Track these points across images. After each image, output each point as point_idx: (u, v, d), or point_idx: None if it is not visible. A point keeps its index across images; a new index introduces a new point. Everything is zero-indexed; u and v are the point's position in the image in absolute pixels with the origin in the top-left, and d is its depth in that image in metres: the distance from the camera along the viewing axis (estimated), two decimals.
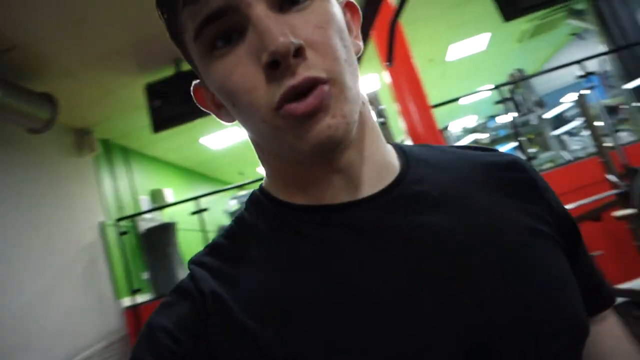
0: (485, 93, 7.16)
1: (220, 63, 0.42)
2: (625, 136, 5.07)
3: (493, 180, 0.50)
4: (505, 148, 6.70)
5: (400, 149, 0.53)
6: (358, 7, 0.51)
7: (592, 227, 2.95)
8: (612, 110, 5.75)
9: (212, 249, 0.49)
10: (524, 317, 0.40)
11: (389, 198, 0.46)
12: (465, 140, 6.31)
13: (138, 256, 4.78)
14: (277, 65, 0.39)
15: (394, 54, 1.11)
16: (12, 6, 2.55)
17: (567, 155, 5.62)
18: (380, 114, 2.46)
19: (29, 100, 3.08)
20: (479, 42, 5.79)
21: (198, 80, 0.51)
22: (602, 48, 5.14)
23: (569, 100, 7.24)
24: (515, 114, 5.79)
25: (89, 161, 4.50)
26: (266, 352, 0.39)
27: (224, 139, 6.47)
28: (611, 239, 3.32)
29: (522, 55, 7.00)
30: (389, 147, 0.52)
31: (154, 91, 3.53)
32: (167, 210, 5.41)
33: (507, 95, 5.98)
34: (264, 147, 0.49)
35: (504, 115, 6.43)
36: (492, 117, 7.66)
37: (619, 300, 2.52)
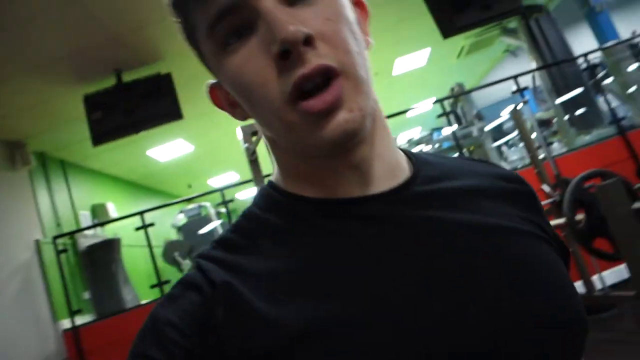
0: (429, 106, 7.44)
1: (232, 58, 0.42)
2: (557, 147, 5.43)
3: (496, 188, 0.51)
4: None
5: (406, 152, 0.53)
6: (366, 4, 0.51)
7: None
8: (544, 123, 6.15)
9: (219, 243, 0.48)
10: (530, 322, 0.41)
11: (403, 195, 0.47)
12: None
13: (78, 275, 4.54)
14: (288, 55, 0.39)
15: None
16: None
17: (506, 166, 5.93)
18: None
19: None
20: (421, 57, 6.03)
21: (212, 81, 0.51)
22: (534, 64, 5.49)
23: (507, 113, 7.66)
24: (457, 127, 6.05)
25: (24, 175, 4.25)
26: (280, 335, 0.38)
27: (172, 150, 6.30)
28: None
29: (462, 70, 7.35)
30: (398, 149, 0.52)
31: (93, 102, 3.40)
32: (111, 226, 5.18)
33: (449, 109, 6.25)
34: (277, 142, 0.48)
35: (448, 128, 6.71)
36: (438, 129, 7.96)
37: None
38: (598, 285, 3.41)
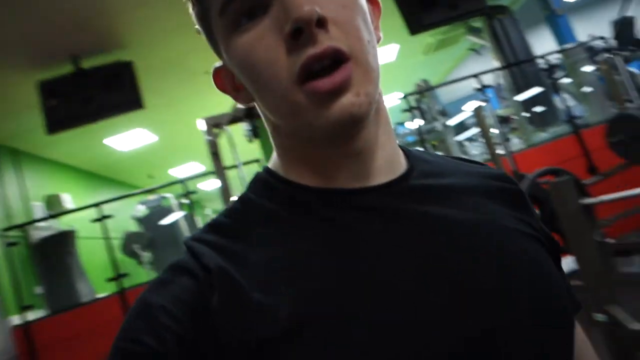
0: (394, 101, 7.51)
1: (242, 37, 0.42)
2: (515, 144, 5.61)
3: (487, 187, 0.52)
4: None
5: (401, 147, 0.53)
6: (380, 1, 0.51)
7: None
8: (504, 120, 6.33)
9: (212, 227, 0.46)
10: (526, 318, 0.42)
11: (402, 187, 0.47)
12: None
13: (29, 269, 4.34)
14: (299, 34, 0.39)
15: None
16: None
17: None
18: None
19: None
20: (389, 53, 6.07)
21: (218, 64, 0.51)
22: (496, 63, 5.64)
23: (469, 109, 7.85)
24: (422, 122, 6.16)
25: None
26: (275, 324, 0.38)
27: (133, 140, 6.12)
28: None
29: (428, 66, 7.48)
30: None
31: (48, 89, 3.23)
32: (66, 218, 4.98)
33: (414, 104, 6.34)
34: (279, 127, 0.48)
35: (413, 122, 6.82)
36: (401, 123, 8.07)
37: None
38: None
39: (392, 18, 3.95)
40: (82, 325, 3.77)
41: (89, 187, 6.59)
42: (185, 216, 6.29)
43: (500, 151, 3.87)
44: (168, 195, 6.50)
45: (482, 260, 0.43)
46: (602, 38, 4.90)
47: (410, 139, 6.79)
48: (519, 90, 5.58)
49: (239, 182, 2.72)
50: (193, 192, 4.82)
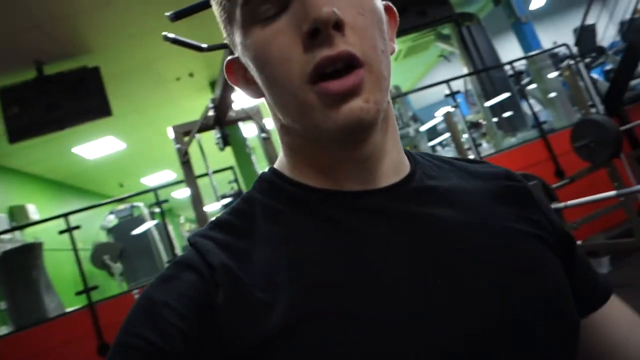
0: None
1: (260, 31, 0.43)
2: (485, 149, 5.73)
3: (491, 187, 0.52)
4: None
5: (405, 150, 0.54)
6: (396, 12, 0.52)
7: None
8: (474, 125, 6.48)
9: (217, 225, 0.47)
10: (523, 319, 0.42)
11: (405, 189, 0.48)
12: None
13: None
14: (317, 34, 0.39)
15: None
16: None
17: None
18: (263, 129, 2.45)
19: None
20: None
21: (231, 56, 0.51)
22: (465, 70, 5.77)
23: (440, 115, 8.00)
24: None
25: None
26: (277, 323, 0.38)
27: (101, 148, 5.97)
28: None
29: (399, 73, 7.59)
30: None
31: (9, 96, 3.12)
32: (31, 229, 4.80)
33: None
34: (288, 127, 0.48)
35: None
36: None
37: None
38: None
39: None
40: (50, 342, 3.63)
41: (56, 197, 6.39)
42: (157, 225, 6.17)
43: (471, 156, 3.94)
44: (139, 204, 6.36)
45: (483, 262, 0.44)
46: (564, 45, 5.08)
47: None
48: (488, 96, 5.72)
49: (211, 191, 2.68)
50: (165, 201, 4.72)
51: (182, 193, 9.11)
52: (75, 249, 4.03)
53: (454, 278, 0.42)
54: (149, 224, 6.05)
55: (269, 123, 2.55)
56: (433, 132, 7.86)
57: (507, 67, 5.52)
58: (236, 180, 5.60)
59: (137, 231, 5.98)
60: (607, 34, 5.93)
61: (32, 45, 3.17)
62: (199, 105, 4.44)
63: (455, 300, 0.41)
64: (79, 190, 7.28)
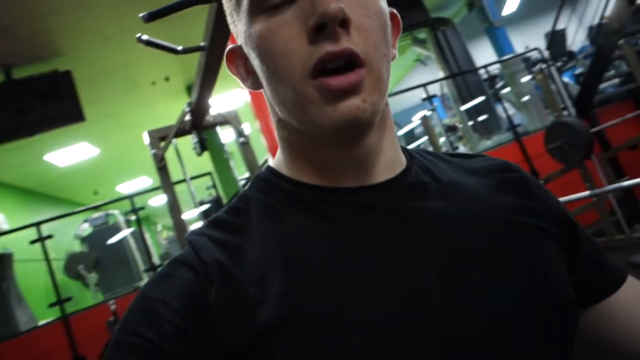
0: None
1: (266, 21, 0.43)
2: (462, 151, 5.82)
3: (488, 182, 0.52)
4: None
5: (404, 148, 0.54)
6: (400, 20, 0.53)
7: None
8: (451, 128, 6.56)
9: (213, 223, 0.47)
10: (516, 311, 0.42)
11: (402, 184, 0.48)
12: None
13: None
14: (322, 29, 0.40)
15: None
16: None
17: None
18: (241, 133, 2.42)
19: None
20: None
21: (232, 45, 0.52)
22: (441, 74, 5.85)
23: (417, 118, 8.09)
24: None
25: None
26: (268, 318, 0.38)
27: (75, 155, 5.82)
28: None
29: None
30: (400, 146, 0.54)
31: None
32: (1, 240, 4.64)
33: None
34: (285, 121, 0.48)
35: None
36: None
37: None
38: None
39: None
40: (21, 357, 3.51)
41: (27, 205, 6.20)
42: (133, 233, 6.04)
43: None
44: (115, 212, 6.22)
45: (480, 257, 0.44)
46: (536, 49, 5.21)
47: None
48: (464, 100, 5.80)
49: (189, 197, 2.63)
50: (141, 208, 4.63)
51: (159, 200, 8.96)
52: (47, 259, 3.92)
53: (451, 274, 0.42)
54: (125, 232, 5.92)
55: (247, 128, 2.53)
56: (411, 136, 7.94)
57: (482, 71, 5.63)
58: (214, 186, 5.54)
59: (112, 240, 5.84)
60: (576, 38, 6.11)
61: (0, 48, 3.07)
62: (175, 110, 4.37)
63: (453, 297, 0.41)
64: (51, 199, 7.08)
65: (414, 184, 0.49)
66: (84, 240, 5.95)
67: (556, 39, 5.77)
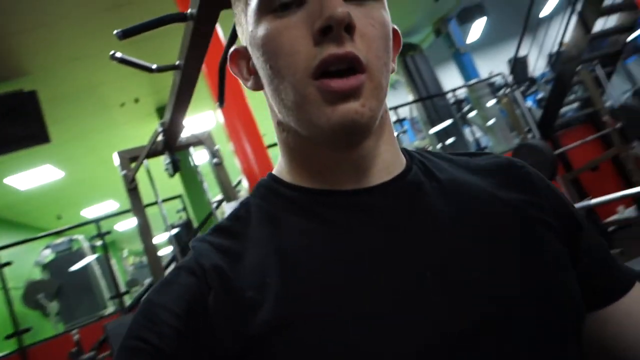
0: None
1: (272, 21, 0.44)
2: None
3: (493, 179, 0.52)
4: None
5: (404, 150, 0.55)
6: (401, 36, 0.54)
7: None
8: None
9: (216, 230, 0.49)
10: (517, 309, 0.42)
11: (399, 185, 0.48)
12: None
13: None
14: (328, 32, 0.41)
15: (225, 94, 1.08)
16: None
17: None
18: (215, 154, 2.39)
19: None
20: None
21: (237, 46, 0.53)
22: (410, 97, 6.00)
23: None
24: None
25: None
26: (266, 320, 0.39)
27: (37, 177, 5.61)
28: None
29: None
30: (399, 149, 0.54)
31: None
32: None
33: None
34: (284, 123, 0.49)
35: None
36: None
37: None
38: None
39: None
40: None
41: None
42: (98, 259, 5.82)
43: None
44: (79, 237, 6.00)
45: (479, 256, 0.44)
46: (500, 74, 5.42)
47: None
48: (432, 123, 5.96)
49: (159, 220, 2.56)
50: (107, 233, 4.47)
51: (126, 224, 8.69)
52: (5, 288, 3.72)
53: (450, 273, 0.42)
54: (90, 258, 5.70)
55: (221, 148, 2.50)
56: None
57: (450, 95, 5.81)
58: (184, 209, 5.42)
59: (76, 266, 5.61)
60: (538, 65, 6.39)
61: None
62: (144, 132, 4.29)
63: (452, 297, 0.41)
64: (10, 224, 6.78)
65: (412, 184, 0.49)
66: (45, 267, 5.68)
67: (519, 65, 6.03)
